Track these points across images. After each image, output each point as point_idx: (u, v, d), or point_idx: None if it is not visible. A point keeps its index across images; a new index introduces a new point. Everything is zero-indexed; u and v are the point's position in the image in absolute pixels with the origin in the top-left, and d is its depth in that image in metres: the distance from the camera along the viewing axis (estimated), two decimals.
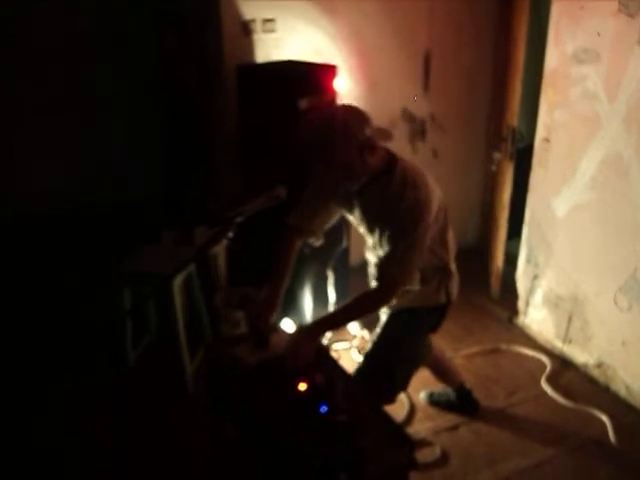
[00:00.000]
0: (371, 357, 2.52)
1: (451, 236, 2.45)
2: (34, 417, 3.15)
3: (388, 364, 2.51)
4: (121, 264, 3.27)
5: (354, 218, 2.44)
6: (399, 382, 2.63)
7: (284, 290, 2.43)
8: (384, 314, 2.58)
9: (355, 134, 2.08)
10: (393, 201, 2.19)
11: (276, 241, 2.48)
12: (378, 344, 2.53)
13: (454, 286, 2.52)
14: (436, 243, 2.35)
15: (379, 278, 2.29)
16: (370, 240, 2.42)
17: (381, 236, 2.27)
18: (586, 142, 3.27)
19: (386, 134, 2.32)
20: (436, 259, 2.41)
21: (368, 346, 2.58)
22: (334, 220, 2.52)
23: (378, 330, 2.56)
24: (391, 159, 2.24)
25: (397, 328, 2.48)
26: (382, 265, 2.27)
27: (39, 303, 3.88)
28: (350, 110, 2.16)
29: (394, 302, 2.38)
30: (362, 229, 2.44)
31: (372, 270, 2.54)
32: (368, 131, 2.10)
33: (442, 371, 3.06)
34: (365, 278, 2.65)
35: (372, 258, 2.49)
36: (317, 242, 2.54)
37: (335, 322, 2.41)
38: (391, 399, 2.61)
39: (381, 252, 2.29)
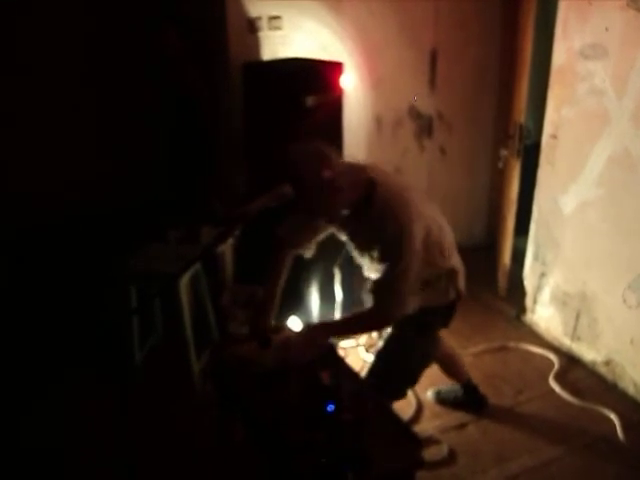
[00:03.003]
0: (385, 355, 2.55)
1: (449, 238, 2.44)
2: (35, 416, 3.16)
3: (403, 362, 2.55)
4: (127, 263, 3.28)
5: (344, 238, 2.53)
6: (412, 379, 2.68)
7: (279, 293, 2.51)
8: None
9: (312, 182, 2.08)
10: (375, 233, 2.24)
11: (270, 249, 2.55)
12: (392, 342, 2.55)
13: (461, 281, 2.55)
14: (436, 257, 2.36)
15: (374, 306, 2.34)
16: (360, 260, 2.48)
17: (371, 261, 2.34)
18: (594, 138, 3.25)
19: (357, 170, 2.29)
20: (439, 268, 2.42)
21: (380, 344, 2.60)
22: (325, 235, 2.56)
23: (390, 328, 2.58)
24: (370, 188, 2.22)
25: (411, 326, 2.49)
26: (375, 294, 2.33)
27: (45, 303, 3.89)
28: (307, 156, 2.14)
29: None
30: (352, 249, 2.51)
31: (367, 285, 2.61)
32: (327, 173, 2.08)
33: (450, 365, 3.05)
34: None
35: (366, 273, 2.54)
36: (308, 254, 2.59)
37: (334, 331, 2.49)
38: (403, 395, 2.70)
39: (373, 274, 2.36)
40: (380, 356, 2.56)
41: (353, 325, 2.48)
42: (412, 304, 2.32)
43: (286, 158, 2.18)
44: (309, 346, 2.27)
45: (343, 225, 2.40)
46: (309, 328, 2.43)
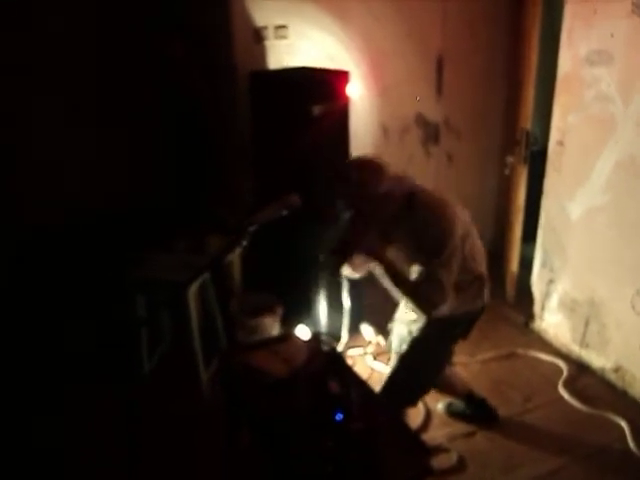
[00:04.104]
0: (407, 360, 2.64)
1: (479, 246, 2.62)
2: (36, 418, 3.18)
3: (423, 368, 2.66)
4: (135, 272, 3.28)
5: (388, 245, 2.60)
6: (429, 386, 2.79)
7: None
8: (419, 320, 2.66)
9: (370, 195, 2.32)
10: (416, 234, 2.39)
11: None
12: (415, 348, 2.63)
13: (487, 291, 2.66)
14: (468, 260, 2.50)
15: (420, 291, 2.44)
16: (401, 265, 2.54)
17: (410, 262, 2.47)
18: (600, 145, 3.25)
19: (406, 182, 2.49)
20: (471, 272, 2.55)
21: (403, 347, 2.66)
22: None
23: (414, 332, 2.61)
24: (410, 195, 2.40)
25: (435, 334, 2.59)
26: (420, 283, 2.41)
27: (52, 310, 3.89)
28: (366, 169, 2.36)
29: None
30: (394, 254, 2.57)
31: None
32: (384, 187, 2.31)
33: (444, 384, 3.04)
34: (378, 285, 2.67)
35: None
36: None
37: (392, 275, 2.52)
38: (415, 403, 2.84)
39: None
40: (402, 360, 2.64)
41: (405, 285, 2.48)
42: (450, 298, 2.40)
43: (347, 170, 2.40)
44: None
45: (385, 234, 2.49)
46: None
